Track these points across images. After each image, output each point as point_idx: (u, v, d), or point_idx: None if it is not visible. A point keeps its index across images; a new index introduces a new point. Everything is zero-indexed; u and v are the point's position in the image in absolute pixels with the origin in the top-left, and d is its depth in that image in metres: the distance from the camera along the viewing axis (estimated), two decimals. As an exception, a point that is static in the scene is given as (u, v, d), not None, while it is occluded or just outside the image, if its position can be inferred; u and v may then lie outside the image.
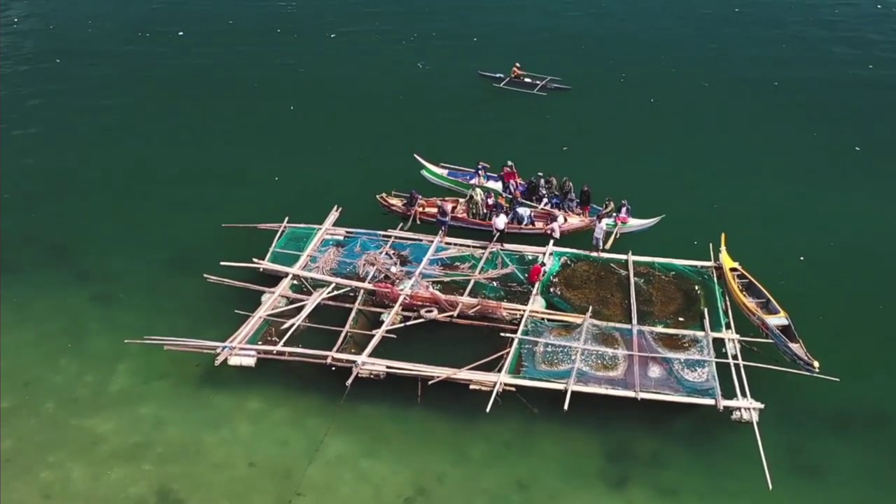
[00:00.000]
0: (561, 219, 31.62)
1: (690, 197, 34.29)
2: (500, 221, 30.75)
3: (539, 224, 31.79)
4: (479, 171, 34.04)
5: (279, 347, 25.91)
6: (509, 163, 33.67)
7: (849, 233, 32.26)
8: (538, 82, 43.10)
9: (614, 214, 31.84)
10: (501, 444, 24.17)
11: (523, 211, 31.99)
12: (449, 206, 31.68)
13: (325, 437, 23.98)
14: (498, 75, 43.74)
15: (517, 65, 43.48)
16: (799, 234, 32.24)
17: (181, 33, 50.17)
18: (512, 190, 33.20)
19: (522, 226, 31.64)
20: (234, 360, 25.72)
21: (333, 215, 31.90)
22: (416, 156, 34.74)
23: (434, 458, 23.80)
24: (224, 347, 25.78)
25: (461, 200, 32.94)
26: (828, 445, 24.02)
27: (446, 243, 30.90)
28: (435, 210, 32.00)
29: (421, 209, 31.98)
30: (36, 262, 30.84)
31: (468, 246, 30.82)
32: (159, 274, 30.47)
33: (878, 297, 28.95)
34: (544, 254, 30.09)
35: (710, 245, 29.90)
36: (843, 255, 31.01)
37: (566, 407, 23.75)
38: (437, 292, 28.06)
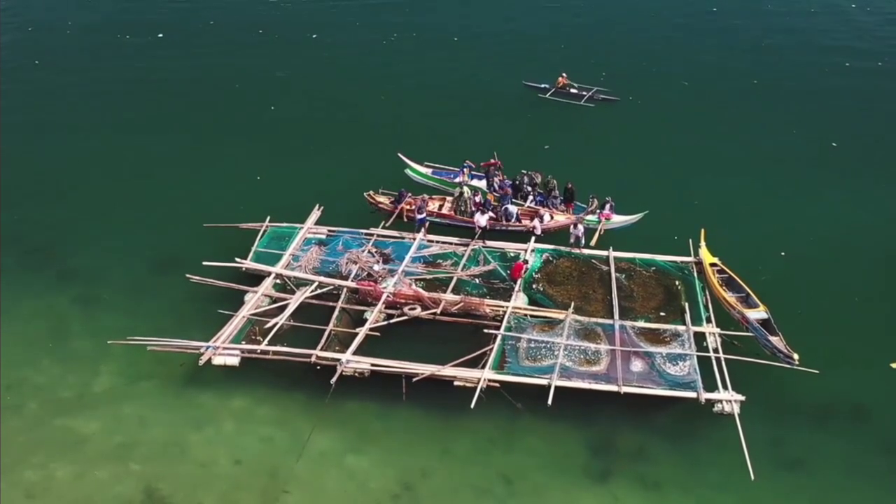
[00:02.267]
0: (547, 216, 31.85)
1: (671, 193, 34.51)
2: (483, 219, 30.94)
3: (525, 221, 31.94)
4: (464, 170, 34.18)
5: (263, 347, 25.93)
6: (494, 155, 33.91)
7: (828, 228, 32.59)
8: (584, 93, 42.14)
9: (598, 211, 32.07)
10: (486, 440, 24.29)
11: (513, 208, 32.14)
12: (428, 205, 31.91)
13: (311, 435, 24.02)
14: (543, 85, 42.74)
15: (563, 74, 42.50)
16: (779, 230, 32.53)
17: (161, 35, 49.99)
18: (497, 187, 33.37)
19: (511, 223, 31.81)
20: (217, 360, 25.70)
21: (315, 214, 31.94)
22: (399, 154, 34.84)
23: (419, 454, 23.90)
24: (208, 347, 25.76)
25: (448, 199, 33.06)
26: (809, 437, 24.25)
27: (428, 241, 30.99)
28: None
29: (408, 206, 32.07)
30: (19, 264, 30.63)
31: (450, 243, 30.96)
32: (142, 274, 30.38)
33: (856, 291, 29.28)
34: (526, 251, 30.24)
35: (690, 241, 30.16)
36: (822, 250, 31.31)
37: (550, 402, 23.93)
38: (420, 290, 28.16)
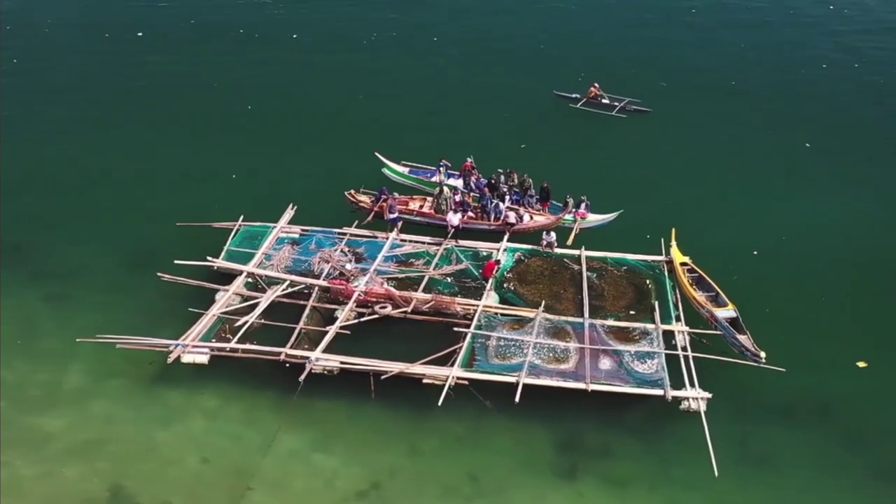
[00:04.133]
0: (527, 217, 32.01)
1: (646, 193, 34.69)
2: (455, 218, 31.01)
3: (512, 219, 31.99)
4: (441, 169, 34.23)
5: (232, 345, 25.94)
6: (469, 158, 33.97)
7: (800, 227, 32.83)
8: (616, 104, 41.50)
9: (574, 210, 32.19)
10: (454, 438, 24.39)
11: (503, 205, 32.24)
12: (399, 204, 32.03)
13: (279, 433, 24.07)
14: (574, 95, 42.32)
15: (595, 85, 42.05)
16: (752, 229, 32.79)
17: (140, 34, 49.92)
18: (474, 186, 33.47)
19: (498, 221, 31.87)
20: (186, 358, 25.70)
21: (289, 213, 31.99)
22: (376, 154, 34.89)
23: (387, 452, 23.95)
24: (177, 345, 25.76)
25: (428, 199, 33.16)
26: (775, 434, 24.44)
27: (401, 240, 31.06)
28: (401, 207, 32.29)
29: (382, 206, 32.10)
30: (-9, 263, 30.58)
31: (423, 243, 31.03)
32: (115, 273, 30.33)
33: (825, 290, 29.49)
34: (498, 250, 30.33)
35: (662, 240, 30.34)
36: (793, 250, 31.55)
37: (517, 399, 24.01)
38: (392, 288, 28.22)
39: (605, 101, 41.77)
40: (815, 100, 43.15)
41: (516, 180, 33.63)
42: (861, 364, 26.40)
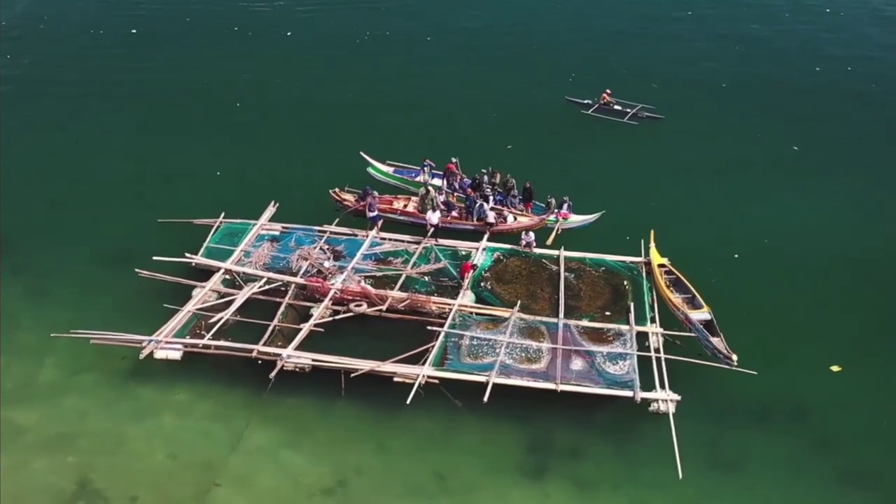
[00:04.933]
0: (511, 218, 32.05)
1: (629, 194, 34.67)
2: (434, 217, 31.04)
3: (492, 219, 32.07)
4: (425, 168, 34.28)
5: (205, 341, 26.02)
6: (454, 159, 34.00)
7: (783, 231, 32.61)
8: (628, 110, 40.97)
9: (556, 210, 32.18)
10: (423, 437, 24.34)
11: (486, 205, 32.22)
12: (378, 202, 32.14)
13: (247, 429, 24.14)
14: (586, 101, 41.75)
15: (607, 91, 41.61)
16: (735, 232, 32.67)
17: (134, 31, 50.15)
18: (458, 186, 33.50)
19: (479, 222, 31.91)
20: (159, 354, 25.78)
21: (270, 210, 32.06)
22: (361, 153, 34.96)
23: (355, 450, 23.93)
24: (150, 341, 25.84)
25: (413, 199, 33.17)
26: (745, 437, 24.28)
27: (381, 238, 31.10)
28: (385, 206, 32.45)
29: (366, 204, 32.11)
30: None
31: (403, 241, 31.05)
32: (95, 269, 30.32)
33: (804, 295, 29.38)
34: (477, 249, 30.33)
35: (642, 242, 30.30)
36: (775, 254, 31.37)
37: (486, 399, 24.02)
38: (369, 286, 28.25)
39: (617, 107, 41.28)
40: (808, 103, 42.94)
41: (499, 180, 33.63)
42: (835, 368, 26.28)
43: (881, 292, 29.63)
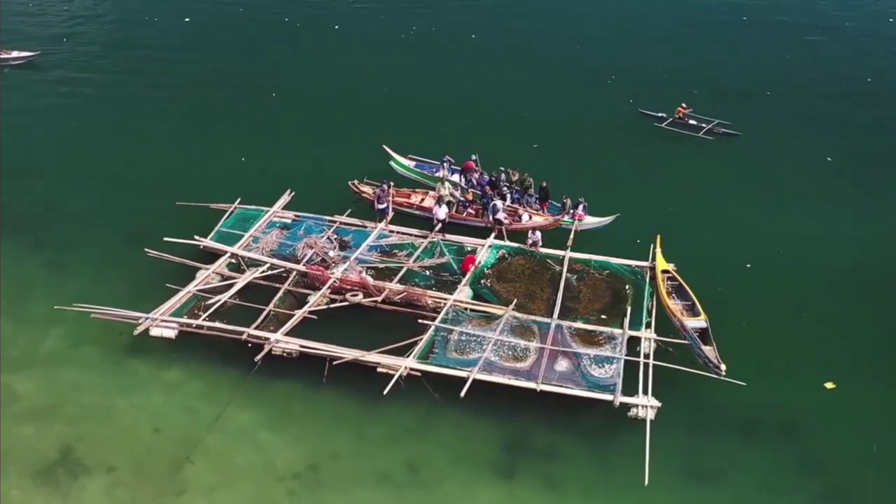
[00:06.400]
0: (525, 216, 31.97)
1: (649, 198, 34.38)
2: (442, 212, 31.10)
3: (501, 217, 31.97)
4: (444, 164, 34.39)
5: (199, 322, 26.60)
6: (473, 156, 34.06)
7: (800, 243, 31.80)
8: (704, 125, 39.96)
9: (571, 211, 32.00)
10: (401, 428, 24.50)
11: (499, 203, 32.19)
12: (398, 196, 32.34)
13: (228, 409, 24.63)
14: (660, 115, 41.13)
15: (683, 105, 40.88)
16: (751, 242, 31.95)
17: (187, 19, 51.47)
18: (475, 183, 33.57)
19: (491, 218, 31.85)
20: (155, 332, 26.46)
21: (285, 198, 32.56)
22: (384, 147, 35.21)
23: (333, 436, 24.24)
24: (146, 318, 26.54)
25: (431, 193, 33.34)
26: (727, 449, 23.84)
27: (389, 231, 31.34)
28: (402, 200, 32.74)
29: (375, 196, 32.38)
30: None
31: (410, 234, 31.23)
32: (112, 246, 31.28)
33: (808, 308, 28.66)
34: (483, 246, 30.33)
35: (651, 246, 29.90)
36: (788, 265, 30.62)
37: (463, 394, 24.06)
38: (368, 277, 28.49)
39: (693, 122, 40.42)
40: (853, 115, 41.60)
41: (516, 178, 33.57)
42: (829, 385, 25.54)
43: (889, 311, 28.75)
